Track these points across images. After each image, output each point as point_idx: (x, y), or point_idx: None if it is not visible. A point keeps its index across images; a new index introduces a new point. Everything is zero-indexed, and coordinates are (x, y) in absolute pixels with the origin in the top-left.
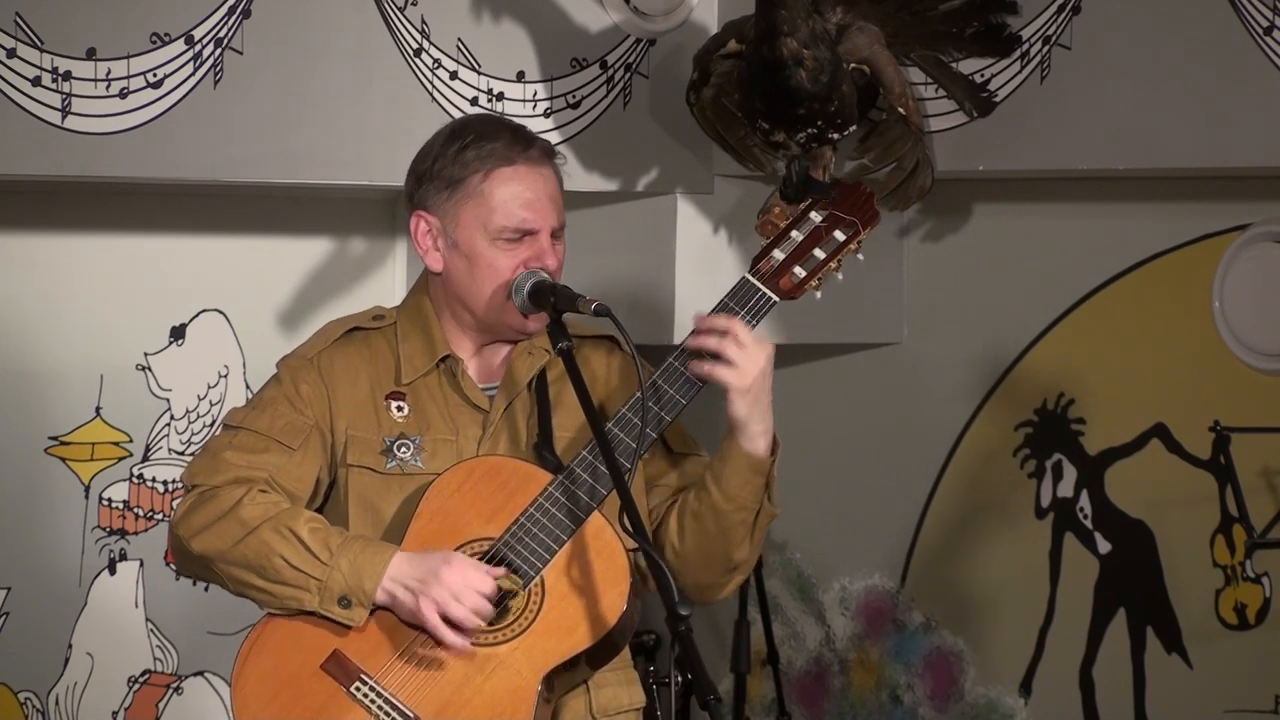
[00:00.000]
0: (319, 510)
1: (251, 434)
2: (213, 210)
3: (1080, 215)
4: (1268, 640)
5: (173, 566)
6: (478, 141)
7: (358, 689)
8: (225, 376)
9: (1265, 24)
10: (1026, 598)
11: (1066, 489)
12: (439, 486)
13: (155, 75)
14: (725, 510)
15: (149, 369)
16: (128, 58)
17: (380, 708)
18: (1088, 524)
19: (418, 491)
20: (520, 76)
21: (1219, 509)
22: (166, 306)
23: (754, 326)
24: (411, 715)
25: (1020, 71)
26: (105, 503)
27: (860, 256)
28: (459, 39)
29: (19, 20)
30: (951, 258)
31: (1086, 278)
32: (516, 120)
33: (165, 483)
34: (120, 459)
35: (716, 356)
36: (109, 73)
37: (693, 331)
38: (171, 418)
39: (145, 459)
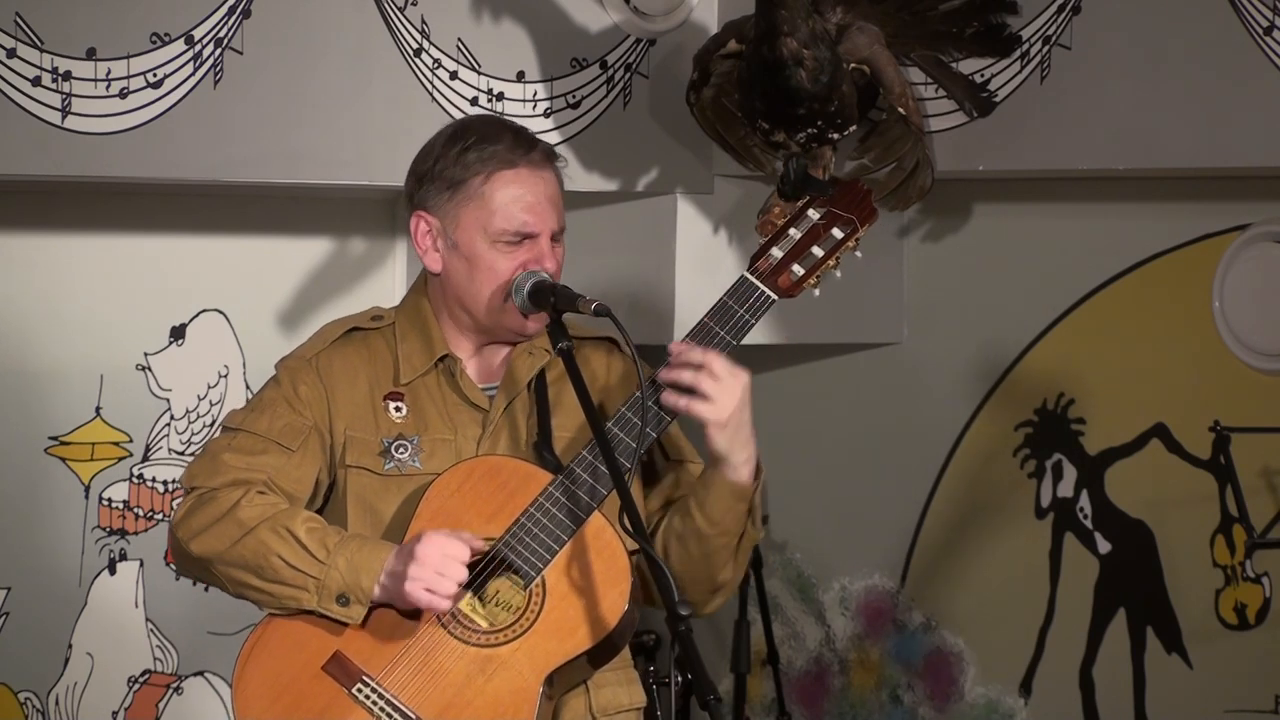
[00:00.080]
0: (319, 511)
1: (250, 436)
2: (213, 210)
3: (1080, 215)
4: (1268, 640)
5: (173, 567)
6: (479, 143)
7: (359, 690)
8: (225, 376)
9: (1265, 24)
10: (1026, 598)
11: (1066, 489)
12: (439, 486)
13: (155, 75)
14: (709, 535)
15: (149, 369)
16: (128, 58)
17: (382, 709)
18: (1088, 524)
19: (417, 492)
20: (520, 76)
21: (1219, 509)
22: (166, 306)
23: (753, 325)
24: (413, 717)
25: (1020, 71)
26: (105, 503)
27: (858, 254)
28: (459, 39)
29: (19, 20)
30: (951, 258)
31: (1086, 278)
32: (517, 120)
33: (165, 483)
34: (120, 459)
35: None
36: (109, 73)
37: (666, 363)
38: (171, 418)
39: (145, 459)
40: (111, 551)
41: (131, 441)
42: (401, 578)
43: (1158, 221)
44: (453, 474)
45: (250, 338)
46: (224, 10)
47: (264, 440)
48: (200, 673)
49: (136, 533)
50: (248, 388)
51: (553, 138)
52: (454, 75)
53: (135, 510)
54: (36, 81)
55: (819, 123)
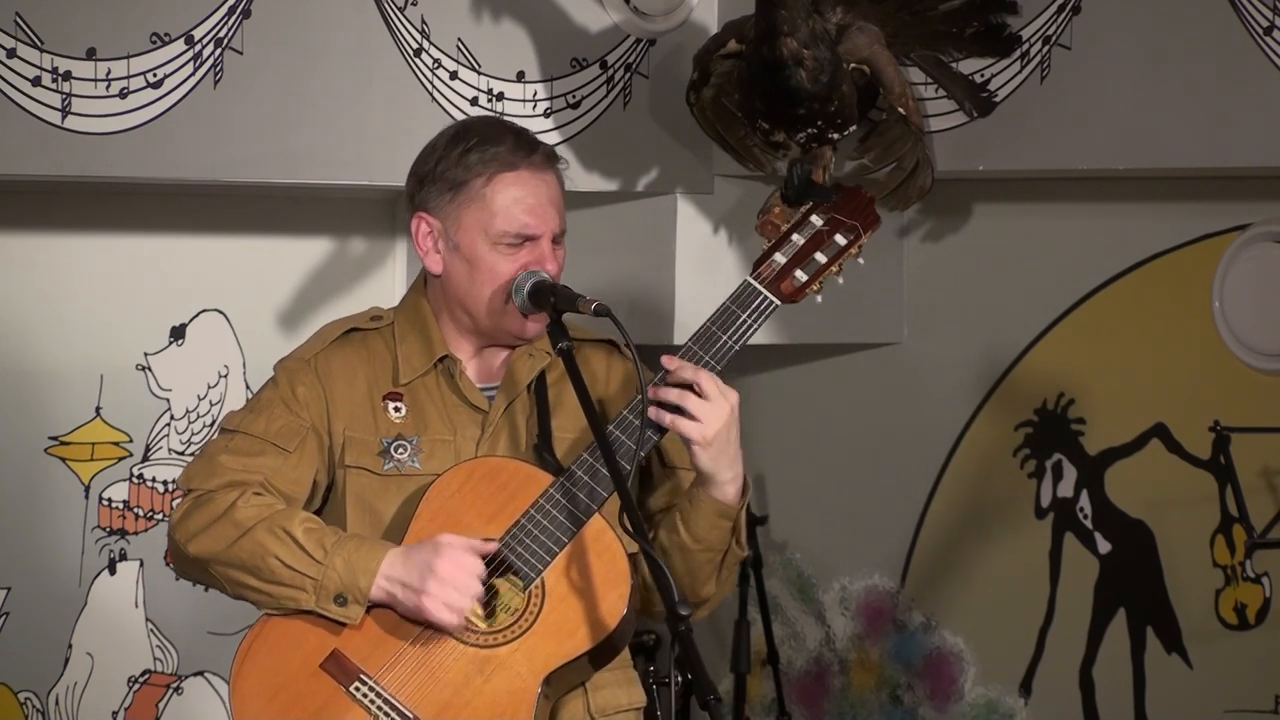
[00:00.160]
0: (317, 512)
1: (247, 437)
2: (213, 210)
3: (1080, 215)
4: (1268, 640)
5: (173, 567)
6: (481, 145)
7: (357, 689)
8: (225, 376)
9: (1265, 24)
10: (1026, 598)
11: (1066, 489)
12: (439, 487)
13: (155, 75)
14: (693, 550)
15: (149, 369)
16: (128, 58)
17: (380, 708)
18: (1088, 524)
19: (417, 492)
20: (520, 76)
21: (1219, 509)
22: (166, 306)
23: (755, 330)
24: (411, 716)
25: (1020, 71)
26: (105, 503)
27: (861, 261)
28: (459, 39)
29: (19, 20)
30: (951, 258)
31: (1086, 278)
32: (516, 120)
33: (165, 483)
34: (120, 459)
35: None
36: (109, 73)
37: (659, 376)
38: (171, 418)
39: (145, 459)
40: (111, 551)
41: (131, 441)
42: (417, 591)
43: (1158, 221)
44: (453, 475)
45: (250, 338)
46: (224, 10)
47: (261, 442)
48: (200, 673)
49: (136, 533)
50: (248, 388)
51: (553, 138)
52: (454, 75)
53: (135, 510)
54: (36, 81)
55: (819, 123)
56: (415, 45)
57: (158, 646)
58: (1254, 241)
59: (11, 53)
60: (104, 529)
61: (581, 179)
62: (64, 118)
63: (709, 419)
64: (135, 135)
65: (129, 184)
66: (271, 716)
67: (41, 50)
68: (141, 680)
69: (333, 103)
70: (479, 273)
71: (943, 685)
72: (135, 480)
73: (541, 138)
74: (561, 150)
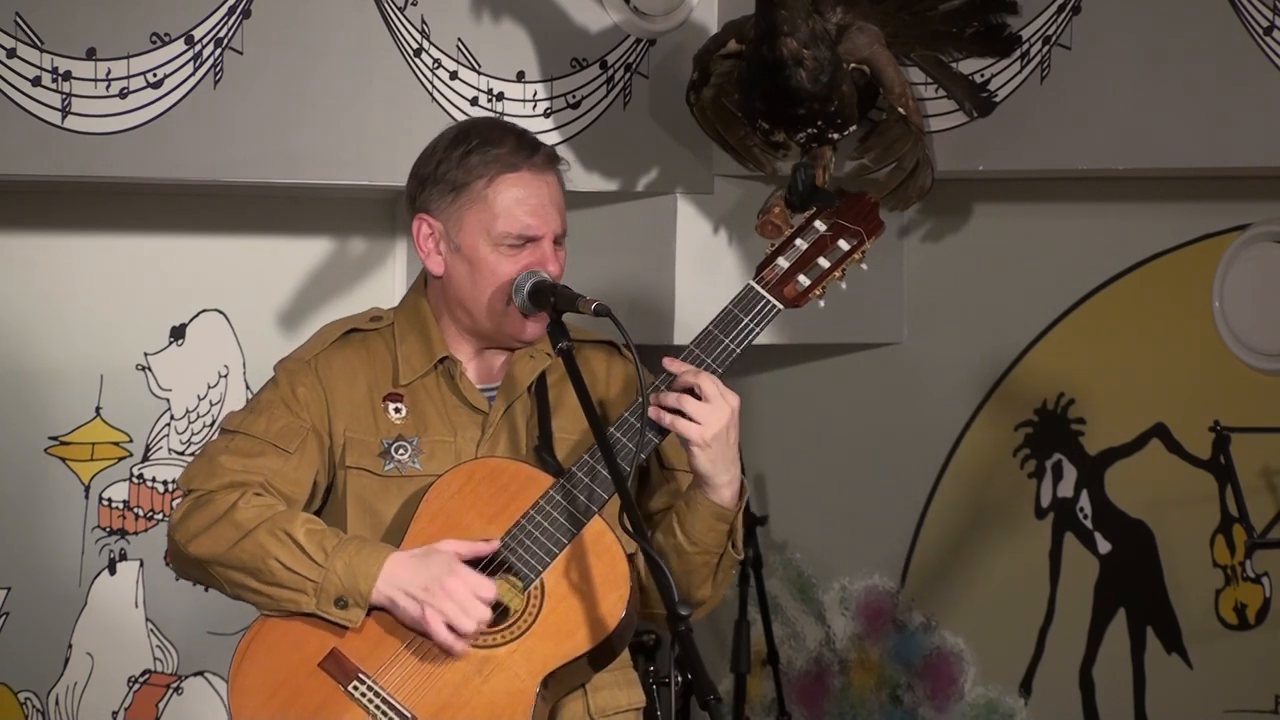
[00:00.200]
0: (317, 513)
1: (248, 438)
2: (213, 210)
3: (1080, 215)
4: (1268, 640)
5: (172, 567)
6: (482, 146)
7: (355, 688)
8: (225, 376)
9: (1265, 24)
10: (1026, 598)
11: (1066, 489)
12: (439, 488)
13: (155, 75)
14: (689, 553)
15: (149, 369)
16: (128, 58)
17: (378, 707)
18: (1088, 524)
19: (417, 493)
20: (520, 76)
21: (1219, 509)
22: (166, 306)
23: (757, 334)
24: (409, 715)
25: (1020, 71)
26: (105, 503)
27: (864, 266)
28: (459, 39)
29: (19, 20)
30: (951, 258)
31: (1086, 278)
32: (516, 120)
33: (165, 483)
34: (120, 459)
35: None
36: (109, 73)
37: (663, 379)
38: (171, 418)
39: (145, 459)
40: (111, 551)
41: (131, 441)
42: (421, 601)
43: (1158, 221)
44: (453, 476)
45: (250, 338)
46: (224, 10)
47: (261, 442)
48: (200, 673)
49: (136, 533)
50: (248, 388)
51: (553, 138)
52: (454, 75)
53: (135, 510)
54: (36, 81)
55: (819, 123)
56: (415, 45)
57: (158, 646)
58: (1254, 241)
59: (11, 53)
60: (104, 529)
61: (581, 179)
62: (64, 118)
63: (708, 420)
64: (135, 135)
65: (129, 184)
66: (270, 715)
67: (41, 50)
68: (141, 680)
69: (333, 103)
70: (480, 274)
71: (943, 685)
72: (135, 480)
73: (541, 138)
74: (561, 150)
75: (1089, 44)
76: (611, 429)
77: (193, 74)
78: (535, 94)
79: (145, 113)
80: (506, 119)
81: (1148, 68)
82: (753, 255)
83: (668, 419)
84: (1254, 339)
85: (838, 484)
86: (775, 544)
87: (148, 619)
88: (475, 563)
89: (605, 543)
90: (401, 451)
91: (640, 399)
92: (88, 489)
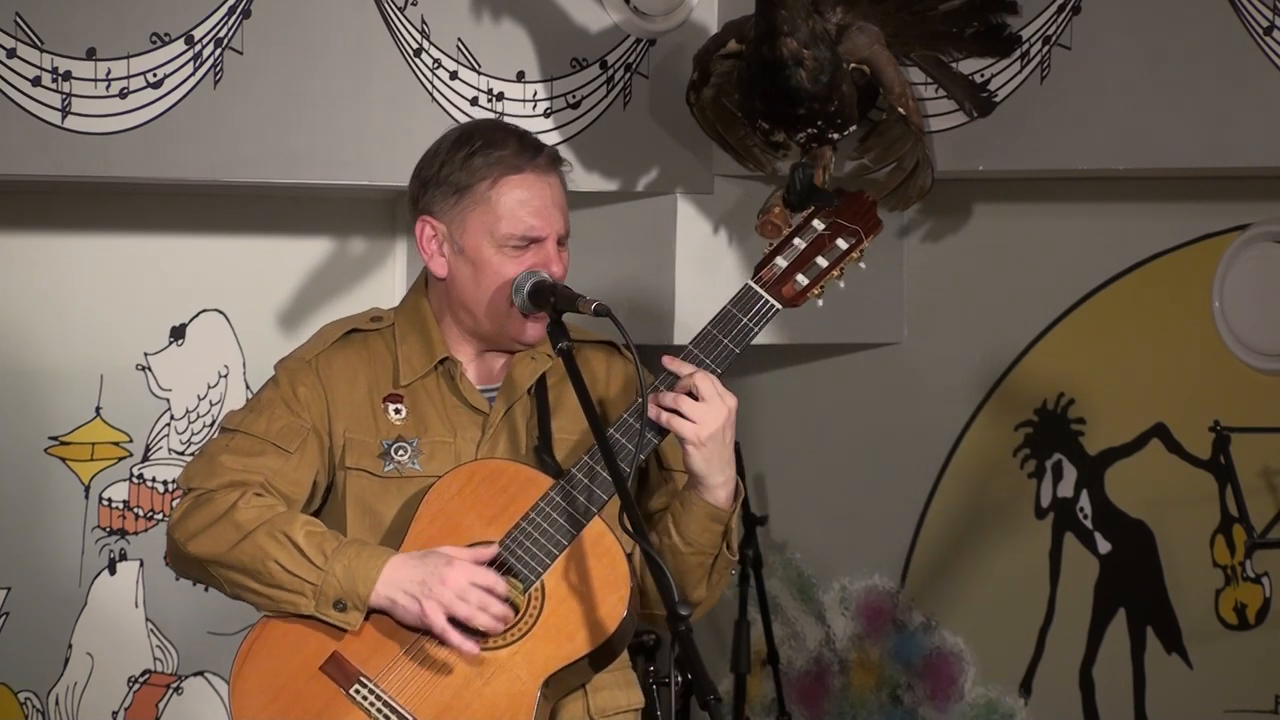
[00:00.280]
0: (317, 513)
1: (248, 437)
2: (213, 210)
3: (1080, 215)
4: (1268, 640)
5: (171, 566)
6: (485, 148)
7: (357, 691)
8: (225, 376)
9: (1265, 24)
10: (1026, 598)
11: (1066, 489)
12: (439, 489)
13: (155, 75)
14: (684, 553)
15: (149, 369)
16: (128, 58)
17: (379, 710)
18: (1088, 524)
19: (417, 494)
20: (520, 76)
21: (1219, 509)
22: (166, 306)
23: (756, 334)
24: (410, 718)
25: (1020, 71)
26: (105, 503)
27: (862, 265)
28: (459, 39)
29: (19, 20)
30: (951, 258)
31: (1086, 278)
32: (517, 121)
33: (165, 483)
34: (120, 459)
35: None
36: (109, 73)
37: (663, 378)
38: (171, 418)
39: (145, 459)
40: (111, 551)
41: (131, 441)
42: (418, 596)
43: (1158, 221)
44: (453, 477)
45: (250, 338)
46: (224, 10)
47: (262, 442)
48: (200, 673)
49: (136, 533)
50: (248, 388)
51: (553, 138)
52: (454, 75)
53: (135, 510)
54: (36, 81)
55: (819, 123)
56: (415, 45)
57: (158, 646)
58: (1254, 241)
59: (11, 53)
60: (104, 529)
61: (582, 179)
62: (64, 118)
63: (704, 420)
64: (135, 135)
65: (129, 184)
66: (271, 718)
67: (41, 50)
68: (141, 680)
69: (333, 103)
70: (484, 275)
71: (943, 685)
72: (135, 480)
73: (542, 138)
74: (562, 150)
75: (1089, 44)
76: (611, 430)
77: (193, 74)
78: (535, 94)
79: (145, 113)
80: (507, 119)
81: (1148, 68)
82: (753, 255)
83: (665, 417)
84: (1254, 339)
85: (838, 484)
86: (775, 544)
87: (148, 619)
88: None
89: (605, 544)
90: (401, 452)
91: (640, 399)
92: (88, 489)
